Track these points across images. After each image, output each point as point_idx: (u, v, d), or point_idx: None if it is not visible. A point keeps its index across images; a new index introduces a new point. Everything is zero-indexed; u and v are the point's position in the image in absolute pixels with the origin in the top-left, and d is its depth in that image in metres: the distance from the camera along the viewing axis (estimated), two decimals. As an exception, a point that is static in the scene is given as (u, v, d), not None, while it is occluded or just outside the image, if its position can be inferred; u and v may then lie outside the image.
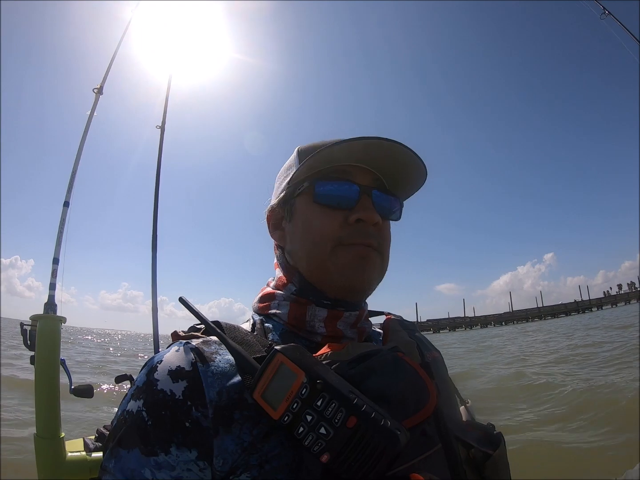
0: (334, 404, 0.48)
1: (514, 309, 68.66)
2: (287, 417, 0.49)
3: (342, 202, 0.67)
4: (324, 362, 0.55)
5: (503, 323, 59.66)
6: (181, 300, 0.63)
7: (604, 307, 55.10)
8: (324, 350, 0.60)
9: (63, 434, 1.73)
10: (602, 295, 64.16)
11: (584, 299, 62.60)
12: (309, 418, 0.48)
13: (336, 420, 0.47)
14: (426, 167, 0.71)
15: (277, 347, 0.53)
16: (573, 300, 62.45)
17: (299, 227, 0.70)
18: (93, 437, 1.80)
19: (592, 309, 55.59)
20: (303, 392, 0.49)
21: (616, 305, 54.07)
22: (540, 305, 66.27)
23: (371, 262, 0.67)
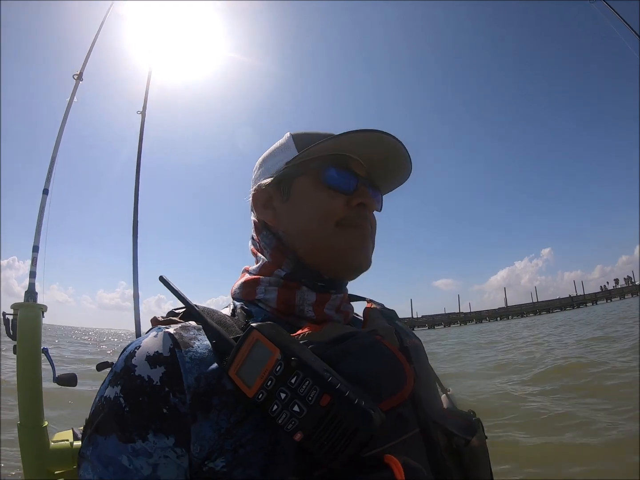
0: (308, 382, 0.47)
1: (510, 304, 69.00)
2: (261, 395, 0.49)
3: (346, 186, 0.69)
4: (301, 342, 0.55)
5: (498, 318, 60.00)
6: (161, 279, 0.62)
7: (598, 302, 55.49)
8: (302, 330, 0.60)
9: (46, 423, 1.74)
10: (599, 290, 64.42)
11: (578, 294, 62.95)
12: (282, 396, 0.48)
13: (310, 398, 0.47)
14: (410, 172, 0.76)
15: (253, 324, 0.53)
16: (568, 296, 62.79)
17: (301, 205, 0.70)
18: (82, 427, 1.79)
19: (587, 304, 55.92)
20: (277, 369, 0.49)
21: (611, 300, 54.45)
22: (535, 300, 66.63)
23: (368, 243, 0.71)
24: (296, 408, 0.47)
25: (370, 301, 0.83)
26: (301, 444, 0.47)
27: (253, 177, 0.79)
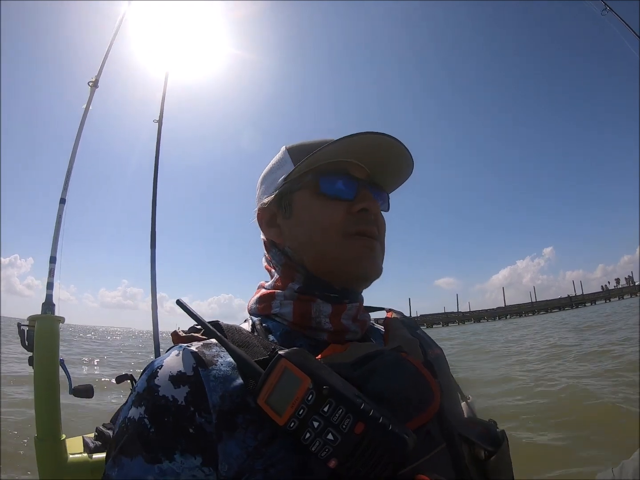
0: (341, 410, 0.47)
1: (512, 304, 68.91)
2: (293, 424, 0.48)
3: (344, 194, 0.69)
4: (326, 365, 0.54)
5: (497, 318, 60.05)
6: (179, 302, 0.62)
7: (597, 302, 55.55)
8: (327, 352, 0.60)
9: (64, 436, 1.71)
10: (600, 290, 64.36)
11: (577, 294, 62.98)
12: (315, 424, 0.48)
13: (344, 426, 0.47)
14: (413, 165, 0.74)
15: (281, 352, 0.52)
16: (567, 295, 62.83)
17: (303, 219, 0.69)
18: (92, 435, 1.78)
19: (586, 304, 55.97)
20: (309, 398, 0.48)
21: (609, 300, 54.51)
22: (533, 300, 66.67)
23: (376, 250, 0.69)
24: (330, 436, 0.47)
25: (390, 310, 0.83)
26: (335, 470, 0.47)
27: (256, 195, 0.79)
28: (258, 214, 0.76)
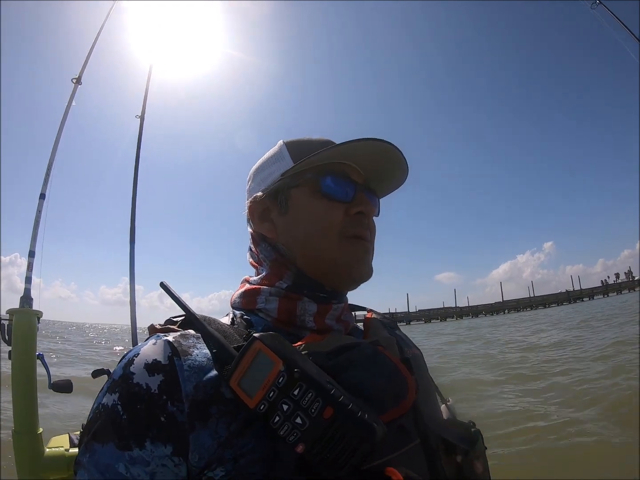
0: (310, 394, 0.47)
1: (511, 298, 69.05)
2: (262, 406, 0.48)
3: (343, 196, 0.69)
4: (302, 352, 0.54)
5: (495, 313, 60.24)
6: (162, 285, 0.62)
7: (595, 297, 55.74)
8: (304, 340, 0.59)
9: (41, 430, 1.73)
10: (600, 284, 64.51)
11: (575, 289, 63.21)
12: (285, 407, 0.47)
13: (312, 410, 0.46)
14: (408, 174, 0.75)
15: (256, 335, 0.52)
16: (564, 290, 63.05)
17: (300, 217, 0.69)
18: (79, 432, 1.79)
19: (584, 299, 56.19)
20: (280, 381, 0.48)
21: (608, 295, 54.69)
22: (532, 294, 66.90)
23: (369, 253, 0.71)
24: (298, 420, 0.46)
25: (370, 311, 0.83)
26: (303, 455, 0.46)
27: (247, 188, 0.78)
28: (250, 206, 0.75)
